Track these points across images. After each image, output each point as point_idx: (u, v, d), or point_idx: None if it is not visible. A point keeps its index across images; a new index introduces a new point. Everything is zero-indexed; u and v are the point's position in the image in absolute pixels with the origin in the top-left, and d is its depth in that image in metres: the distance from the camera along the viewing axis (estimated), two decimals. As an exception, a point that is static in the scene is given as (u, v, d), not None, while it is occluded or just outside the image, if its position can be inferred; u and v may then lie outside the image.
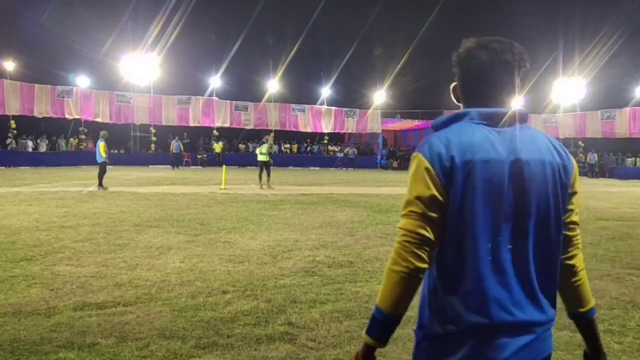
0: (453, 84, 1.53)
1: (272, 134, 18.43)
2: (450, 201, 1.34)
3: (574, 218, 1.47)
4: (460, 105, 1.51)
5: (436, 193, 1.34)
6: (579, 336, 3.81)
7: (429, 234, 1.34)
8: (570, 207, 1.45)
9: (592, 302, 1.50)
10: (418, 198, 1.36)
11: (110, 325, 3.76)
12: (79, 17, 33.69)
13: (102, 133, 15.49)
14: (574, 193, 1.46)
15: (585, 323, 1.51)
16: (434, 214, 1.34)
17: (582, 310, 1.49)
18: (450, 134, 1.38)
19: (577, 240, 1.48)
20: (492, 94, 1.44)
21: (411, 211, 1.36)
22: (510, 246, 1.35)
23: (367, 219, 9.58)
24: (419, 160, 1.38)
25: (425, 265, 1.35)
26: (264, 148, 16.74)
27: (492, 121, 1.40)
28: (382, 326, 1.40)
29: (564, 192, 1.41)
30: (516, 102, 1.48)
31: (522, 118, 1.43)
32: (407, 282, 1.36)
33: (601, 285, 5.21)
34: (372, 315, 1.43)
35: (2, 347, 3.35)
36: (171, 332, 3.65)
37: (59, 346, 3.37)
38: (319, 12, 36.25)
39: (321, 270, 5.55)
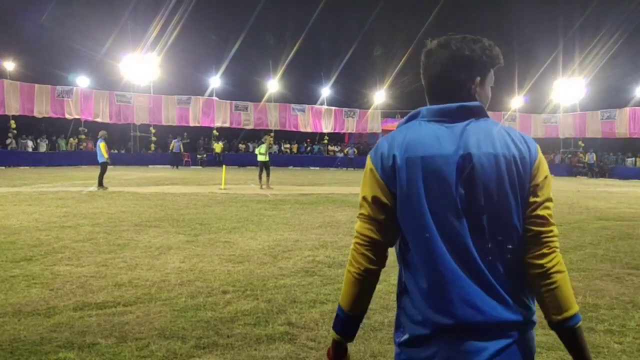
0: (423, 83, 1.52)
1: (272, 134, 18.45)
2: (398, 200, 1.34)
3: (542, 212, 1.34)
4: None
5: (380, 195, 1.35)
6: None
7: (376, 236, 1.36)
8: (534, 199, 1.34)
9: (572, 309, 1.30)
10: (364, 200, 1.38)
11: (110, 325, 3.76)
12: (79, 17, 33.73)
13: (101, 133, 15.53)
14: (538, 185, 1.35)
15: (564, 333, 1.32)
16: (380, 216, 1.35)
17: (558, 317, 1.30)
18: (397, 133, 1.39)
19: (547, 237, 1.33)
20: (449, 92, 1.41)
21: (360, 214, 1.39)
22: (470, 243, 1.30)
23: (367, 219, 9.58)
24: (367, 164, 1.40)
25: (375, 267, 1.38)
26: (262, 148, 16.75)
27: (444, 117, 1.37)
28: (343, 323, 1.45)
29: (521, 186, 1.33)
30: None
31: (477, 112, 1.38)
32: (359, 282, 1.39)
33: (601, 285, 5.21)
34: (336, 312, 1.47)
35: (2, 347, 3.35)
36: (171, 332, 3.65)
37: (59, 346, 3.37)
38: (319, 12, 36.28)
39: (321, 270, 5.55)
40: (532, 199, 1.35)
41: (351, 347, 3.48)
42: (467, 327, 1.29)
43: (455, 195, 1.30)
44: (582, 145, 35.64)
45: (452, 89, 1.41)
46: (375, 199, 1.35)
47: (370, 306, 4.41)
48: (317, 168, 35.10)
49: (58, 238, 7.05)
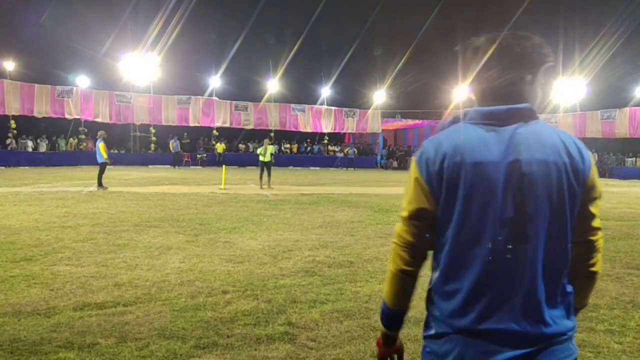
0: (469, 83, 1.46)
1: (272, 135, 18.47)
2: (441, 205, 1.33)
3: (596, 223, 1.37)
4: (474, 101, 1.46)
5: (424, 200, 1.34)
6: (579, 336, 3.80)
7: (415, 240, 1.37)
8: (589, 210, 1.34)
9: (588, 301, 1.49)
10: (407, 204, 1.38)
11: (110, 326, 3.75)
12: (79, 17, 33.69)
13: (100, 133, 15.55)
14: (594, 198, 1.35)
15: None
16: (421, 221, 1.36)
17: (580, 305, 1.44)
18: (443, 137, 1.36)
19: (599, 244, 1.39)
20: (498, 91, 1.36)
21: (402, 216, 1.40)
22: (509, 252, 1.27)
23: (367, 219, 9.58)
24: (412, 166, 1.40)
25: (411, 268, 1.39)
26: (262, 150, 16.79)
27: (492, 120, 1.33)
28: (387, 317, 1.48)
29: (572, 196, 1.30)
30: (538, 100, 1.39)
31: (527, 115, 1.33)
32: (397, 281, 1.41)
33: (601, 285, 5.20)
34: (381, 306, 1.50)
35: (2, 347, 3.35)
36: (171, 332, 3.65)
37: (58, 346, 3.37)
38: (319, 12, 36.25)
39: (321, 270, 5.55)
40: (589, 210, 1.35)
41: (351, 347, 3.50)
42: (488, 333, 1.28)
43: (502, 203, 1.27)
44: (582, 145, 35.61)
45: (501, 90, 1.36)
46: (417, 205, 1.35)
47: (370, 306, 4.40)
48: (317, 168, 35.09)
49: (58, 238, 7.04)
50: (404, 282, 1.40)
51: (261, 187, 16.10)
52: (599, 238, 1.39)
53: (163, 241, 7.02)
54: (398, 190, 16.81)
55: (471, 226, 1.29)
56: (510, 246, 1.28)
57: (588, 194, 1.34)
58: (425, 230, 1.36)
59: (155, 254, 6.19)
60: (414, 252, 1.38)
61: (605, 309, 4.39)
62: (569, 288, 1.36)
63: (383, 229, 8.48)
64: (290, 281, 5.09)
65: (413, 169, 1.38)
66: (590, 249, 1.38)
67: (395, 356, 1.52)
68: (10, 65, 29.02)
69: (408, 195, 1.38)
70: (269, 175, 16.72)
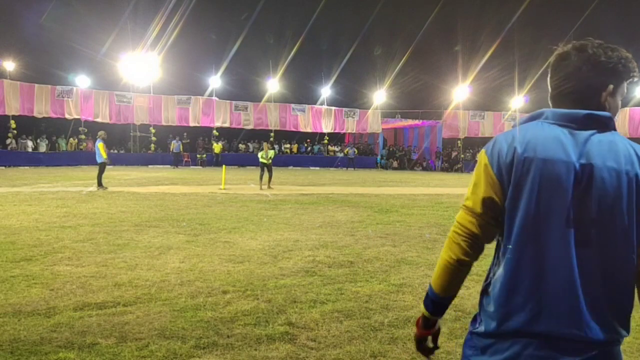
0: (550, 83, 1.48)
1: (271, 141, 18.41)
2: (508, 198, 1.32)
3: None
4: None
5: (490, 191, 1.34)
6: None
7: (477, 230, 1.36)
8: None
9: None
10: (473, 194, 1.37)
11: (110, 326, 3.75)
12: (79, 17, 33.72)
13: (100, 133, 15.58)
14: None
15: None
16: (485, 212, 1.35)
17: None
18: (517, 131, 1.36)
19: None
20: (579, 98, 1.37)
21: (465, 205, 1.39)
22: (574, 253, 1.27)
23: (367, 219, 9.58)
24: (481, 157, 1.39)
25: (468, 259, 1.37)
26: (262, 153, 16.73)
27: (569, 123, 1.34)
28: (433, 303, 1.47)
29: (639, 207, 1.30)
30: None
31: (605, 123, 1.34)
32: (450, 270, 1.40)
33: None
34: (427, 291, 1.49)
35: (2, 347, 3.35)
36: (171, 332, 3.65)
37: (59, 346, 3.37)
38: (319, 12, 36.28)
39: (321, 270, 5.55)
40: None
41: (351, 347, 3.50)
42: (547, 337, 1.28)
43: (569, 203, 1.28)
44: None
45: (582, 95, 1.37)
46: (484, 195, 1.35)
47: (370, 306, 4.39)
48: (317, 168, 35.09)
49: (58, 238, 7.04)
50: (459, 271, 1.40)
51: (260, 188, 16.09)
52: None
53: (163, 241, 7.02)
54: (398, 191, 16.82)
55: (537, 224, 1.29)
56: (575, 248, 1.28)
57: None
58: (488, 223, 1.35)
59: (155, 254, 6.19)
60: (474, 243, 1.37)
61: (605, 309, 4.39)
62: (631, 298, 1.34)
63: (383, 229, 8.48)
64: (290, 281, 5.09)
65: (482, 159, 1.37)
66: None
67: (430, 337, 1.52)
68: (10, 65, 29.01)
69: (475, 184, 1.38)
70: (270, 175, 16.70)
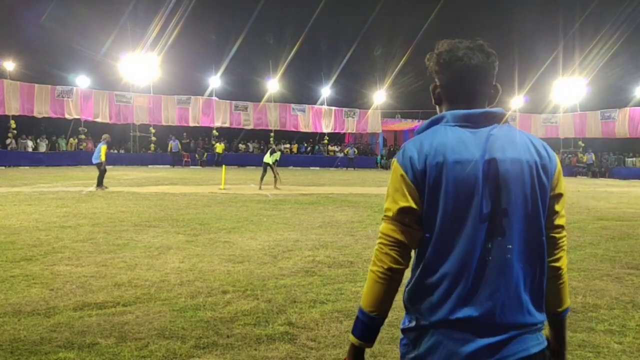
0: (432, 85, 1.55)
1: (274, 148, 18.37)
2: (425, 203, 1.38)
3: (560, 221, 1.46)
4: (441, 108, 1.53)
5: (410, 199, 1.38)
6: (579, 336, 3.80)
7: (402, 238, 1.39)
8: (555, 207, 1.44)
9: (568, 301, 1.51)
10: (392, 203, 1.41)
11: (109, 325, 3.75)
12: (79, 17, 33.71)
13: (104, 136, 15.75)
14: (559, 195, 1.45)
15: (558, 321, 1.51)
16: (407, 219, 1.39)
17: (559, 310, 1.49)
18: (424, 138, 1.43)
19: (562, 242, 1.48)
20: (473, 97, 1.46)
21: (386, 216, 1.43)
22: (489, 246, 1.35)
23: (367, 219, 9.58)
24: (394, 167, 1.44)
25: (399, 266, 1.40)
26: (268, 155, 16.67)
27: (468, 122, 1.42)
28: (364, 326, 1.43)
29: (543, 192, 1.40)
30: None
31: (499, 118, 1.44)
32: (382, 282, 1.40)
33: (601, 285, 5.21)
34: (356, 315, 1.46)
35: (2, 347, 3.35)
36: (171, 332, 3.65)
37: (58, 346, 3.37)
38: (319, 12, 36.26)
39: (321, 270, 5.55)
40: (554, 207, 1.44)
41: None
42: (471, 322, 1.34)
43: (481, 199, 1.35)
44: (583, 145, 35.63)
45: (473, 95, 1.46)
46: (404, 204, 1.39)
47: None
48: (317, 168, 35.09)
49: (58, 238, 7.04)
50: (391, 281, 1.40)
51: (260, 188, 15.98)
52: (563, 236, 1.48)
53: (163, 241, 7.02)
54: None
55: (453, 223, 1.36)
56: (488, 240, 1.35)
57: (553, 189, 1.43)
58: (412, 228, 1.39)
59: (155, 254, 6.19)
60: (403, 251, 1.40)
61: (605, 309, 4.39)
62: (545, 283, 1.43)
63: (383, 229, 8.48)
64: (290, 281, 5.08)
65: (397, 169, 1.42)
66: (553, 245, 1.45)
67: None
68: (10, 65, 29.01)
69: (393, 194, 1.41)
70: (275, 175, 16.58)
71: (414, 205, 1.38)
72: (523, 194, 1.37)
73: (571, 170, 34.37)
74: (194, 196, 13.22)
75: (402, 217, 1.39)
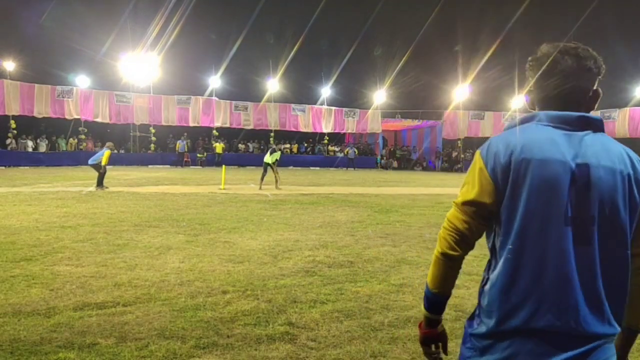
0: (527, 89, 1.51)
1: (275, 147, 18.40)
2: (506, 199, 1.34)
3: None
4: (534, 110, 1.49)
5: (484, 193, 1.36)
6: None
7: (462, 228, 1.39)
8: None
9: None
10: (465, 193, 1.40)
11: (109, 326, 3.75)
12: (79, 17, 33.71)
13: (109, 144, 16.14)
14: None
15: (630, 337, 1.46)
16: (473, 211, 1.38)
17: (634, 327, 1.44)
18: (512, 134, 1.39)
19: None
20: (571, 101, 1.41)
21: (456, 203, 1.43)
22: (572, 251, 1.29)
23: (367, 219, 9.58)
24: (476, 159, 1.41)
25: (454, 253, 1.40)
26: (268, 155, 16.66)
27: (563, 124, 1.37)
28: (429, 301, 1.48)
29: (633, 205, 1.34)
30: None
31: (596, 125, 1.39)
32: (440, 264, 1.43)
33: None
34: (424, 290, 1.52)
35: (2, 347, 3.34)
36: (171, 332, 3.65)
37: (58, 346, 3.37)
38: (319, 12, 36.26)
39: (321, 270, 5.55)
40: None
41: (351, 347, 3.50)
42: (547, 332, 1.30)
43: (566, 202, 1.30)
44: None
45: (574, 98, 1.41)
46: (475, 196, 1.37)
47: (370, 306, 4.39)
48: (317, 168, 35.09)
49: (58, 238, 7.04)
50: (447, 267, 1.42)
51: (260, 188, 16.01)
52: None
53: (163, 241, 7.02)
54: (398, 191, 16.82)
55: (536, 222, 1.31)
56: (573, 246, 1.30)
57: None
58: (479, 224, 1.38)
59: (155, 254, 6.19)
60: (461, 240, 1.40)
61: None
62: (626, 294, 1.37)
63: (383, 229, 8.48)
64: (290, 281, 5.08)
65: (478, 161, 1.39)
66: (637, 262, 1.38)
67: (440, 344, 1.51)
68: (10, 65, 29.01)
69: (468, 184, 1.40)
70: (276, 175, 16.55)
71: (485, 200, 1.35)
72: (613, 204, 1.31)
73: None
74: (194, 196, 13.22)
75: (468, 207, 1.38)
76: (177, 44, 31.83)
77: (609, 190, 1.31)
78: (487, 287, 1.39)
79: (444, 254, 1.41)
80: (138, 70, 31.74)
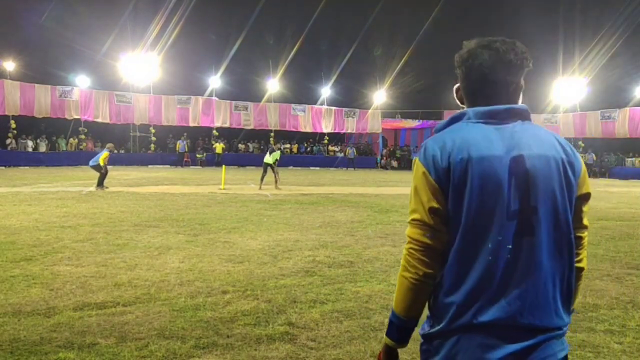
0: (456, 86, 1.51)
1: (274, 147, 18.41)
2: (450, 202, 1.33)
3: (586, 221, 1.44)
4: (464, 106, 1.49)
5: (434, 199, 1.34)
6: (579, 336, 3.79)
7: (431, 242, 1.35)
8: (581, 206, 1.42)
9: (575, 302, 1.48)
10: (418, 205, 1.37)
11: (109, 326, 3.75)
12: (79, 17, 33.72)
13: (109, 145, 16.21)
14: (586, 194, 1.42)
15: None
16: (434, 221, 1.34)
17: (572, 307, 1.45)
18: (445, 135, 1.39)
19: (585, 242, 1.46)
20: (495, 94, 1.41)
21: (413, 219, 1.38)
22: (518, 243, 1.30)
23: (367, 219, 9.58)
24: (417, 166, 1.39)
25: (432, 271, 1.36)
26: (268, 155, 16.61)
27: (492, 119, 1.38)
28: (399, 329, 1.43)
29: (570, 189, 1.36)
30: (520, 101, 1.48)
31: (523, 115, 1.41)
32: (416, 288, 1.37)
33: (601, 285, 5.20)
34: (389, 318, 1.46)
35: (2, 347, 3.35)
36: (170, 332, 3.65)
37: (58, 346, 3.37)
38: (319, 12, 36.28)
39: (321, 270, 5.55)
40: (580, 206, 1.42)
41: (351, 347, 3.49)
42: (490, 327, 1.29)
43: (508, 196, 1.31)
44: (582, 145, 35.63)
45: (497, 91, 1.41)
46: (429, 204, 1.34)
47: (369, 306, 4.40)
48: (317, 168, 35.09)
49: (58, 238, 7.04)
50: (425, 286, 1.37)
51: (260, 188, 15.97)
52: (586, 236, 1.47)
53: (163, 241, 7.02)
54: (398, 191, 16.80)
55: (479, 221, 1.31)
56: (517, 238, 1.30)
57: (580, 189, 1.41)
58: (440, 230, 1.35)
59: (155, 254, 6.19)
60: (434, 255, 1.35)
61: (605, 309, 4.39)
62: (573, 283, 1.39)
63: (383, 229, 8.48)
64: (290, 281, 5.08)
65: (419, 168, 1.38)
66: (577, 245, 1.42)
67: None
68: (10, 65, 29.02)
69: (417, 196, 1.37)
70: (275, 176, 16.48)
71: (439, 206, 1.33)
72: (551, 191, 1.33)
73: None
74: (194, 196, 13.22)
75: (429, 219, 1.34)
76: (177, 44, 31.89)
77: (545, 179, 1.33)
78: (436, 287, 1.38)
79: (425, 275, 1.35)
80: (138, 70, 31.74)
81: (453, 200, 1.33)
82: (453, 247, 1.34)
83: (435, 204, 1.34)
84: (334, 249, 6.75)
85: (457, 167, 1.32)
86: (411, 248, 1.37)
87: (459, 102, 1.52)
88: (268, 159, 16.41)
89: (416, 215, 1.36)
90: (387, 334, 1.46)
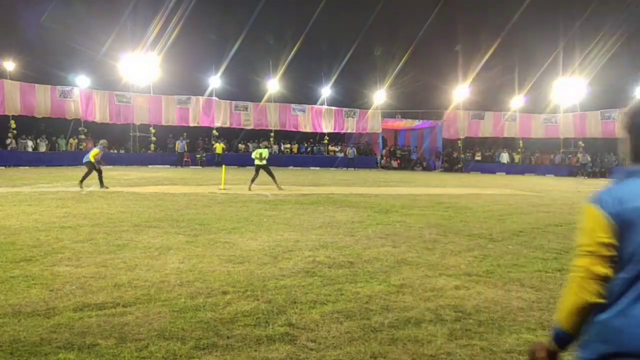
0: (623, 139, 1.66)
1: (264, 144, 18.18)
2: (621, 243, 1.49)
3: None
4: (627, 160, 1.65)
5: (607, 234, 1.49)
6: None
7: (605, 271, 1.50)
8: None
9: None
10: (591, 239, 1.53)
11: (109, 326, 3.75)
12: (79, 17, 33.69)
13: (102, 142, 16.05)
14: None
15: None
16: (607, 252, 1.50)
17: None
18: (624, 187, 1.55)
19: None
20: None
21: (586, 250, 1.54)
22: None
23: (367, 219, 9.58)
24: (588, 209, 1.56)
25: (600, 300, 1.51)
26: (256, 154, 16.31)
27: None
28: (564, 341, 1.63)
29: None
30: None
31: None
32: (584, 311, 1.55)
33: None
34: (554, 327, 1.66)
35: (1, 348, 3.34)
36: (170, 333, 3.65)
37: (58, 347, 3.37)
38: (319, 12, 36.27)
39: (321, 271, 5.55)
40: None
41: (351, 348, 3.49)
42: None
43: None
44: (582, 145, 35.64)
45: None
46: (602, 238, 1.50)
47: (370, 307, 4.38)
48: (317, 168, 35.08)
49: (58, 238, 7.04)
50: (587, 312, 1.54)
51: (249, 189, 15.52)
52: None
53: (163, 241, 7.02)
54: (398, 191, 16.80)
55: None
56: None
57: None
58: (613, 261, 1.50)
59: (155, 255, 6.19)
60: (602, 284, 1.51)
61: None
62: None
63: (383, 230, 8.48)
64: (290, 282, 5.08)
65: (593, 210, 1.54)
66: None
67: None
68: (10, 65, 29.00)
69: (590, 231, 1.53)
70: (272, 177, 16.08)
71: (612, 239, 1.50)
72: None
73: (571, 170, 34.50)
74: (194, 196, 13.22)
75: (603, 251, 1.50)
76: (177, 44, 31.86)
77: None
78: (605, 316, 1.52)
79: (590, 303, 1.51)
80: (138, 70, 31.73)
81: (624, 241, 1.49)
82: (630, 283, 1.48)
83: (608, 239, 1.51)
84: (334, 249, 6.75)
85: (628, 213, 1.49)
86: (584, 277, 1.54)
87: (622, 155, 1.69)
88: (257, 160, 16.09)
89: (589, 248, 1.53)
90: (553, 339, 1.65)
